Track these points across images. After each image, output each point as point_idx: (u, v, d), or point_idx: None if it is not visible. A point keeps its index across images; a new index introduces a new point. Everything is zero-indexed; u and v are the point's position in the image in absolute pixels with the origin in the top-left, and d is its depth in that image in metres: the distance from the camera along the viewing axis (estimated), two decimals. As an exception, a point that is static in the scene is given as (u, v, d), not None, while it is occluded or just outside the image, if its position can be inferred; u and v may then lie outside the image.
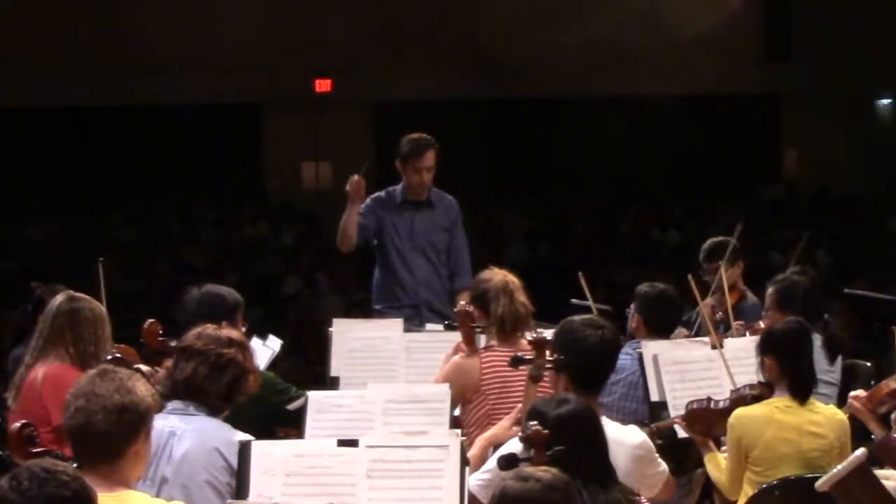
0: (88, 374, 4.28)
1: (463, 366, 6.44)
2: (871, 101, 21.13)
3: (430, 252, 8.70)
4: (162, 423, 4.90)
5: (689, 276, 7.53)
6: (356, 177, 8.66)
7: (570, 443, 4.59)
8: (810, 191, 20.13)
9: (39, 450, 4.33)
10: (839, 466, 4.12)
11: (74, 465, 3.85)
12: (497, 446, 5.40)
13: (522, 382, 5.91)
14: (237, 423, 5.17)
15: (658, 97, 19.47)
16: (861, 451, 4.21)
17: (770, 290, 7.43)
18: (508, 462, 4.46)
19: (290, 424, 6.25)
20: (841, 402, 6.81)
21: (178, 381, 5.10)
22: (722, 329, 7.98)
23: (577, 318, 5.75)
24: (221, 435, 5.03)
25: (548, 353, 5.63)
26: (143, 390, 4.23)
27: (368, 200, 8.77)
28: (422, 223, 8.74)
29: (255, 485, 4.77)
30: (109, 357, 5.80)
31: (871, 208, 19.29)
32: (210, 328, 5.27)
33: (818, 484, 4.14)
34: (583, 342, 5.56)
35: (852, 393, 6.50)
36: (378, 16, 19.67)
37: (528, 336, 5.81)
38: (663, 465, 5.53)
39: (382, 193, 8.84)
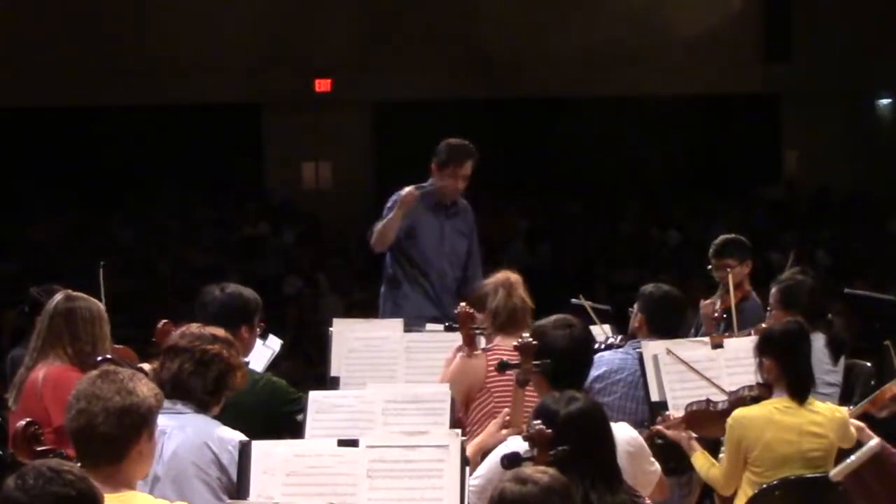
0: (90, 375, 4.28)
1: (468, 366, 6.43)
2: (871, 101, 21.13)
3: (453, 259, 8.66)
4: (152, 423, 4.92)
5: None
6: (413, 189, 8.48)
7: (579, 441, 4.58)
8: (810, 191, 20.13)
9: (43, 448, 4.33)
10: (853, 457, 4.11)
11: (79, 465, 3.85)
12: (486, 453, 5.39)
13: (524, 381, 5.91)
14: (243, 427, 5.17)
15: (658, 97, 19.47)
16: (875, 441, 4.19)
17: (774, 289, 7.42)
18: (511, 461, 4.45)
19: (295, 433, 6.22)
20: (842, 402, 6.80)
21: (165, 380, 5.11)
22: (721, 329, 7.98)
23: (549, 318, 5.75)
24: (209, 430, 5.05)
25: (533, 357, 5.63)
26: (144, 391, 4.22)
27: (390, 205, 8.60)
28: (450, 229, 8.68)
29: (255, 485, 4.77)
30: (99, 358, 5.76)
31: (871, 208, 19.30)
32: (194, 327, 5.29)
33: (832, 473, 4.14)
34: (552, 343, 5.57)
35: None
36: (378, 16, 19.68)
37: (516, 340, 5.80)
38: (656, 465, 5.54)
39: (417, 190, 8.59)
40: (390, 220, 8.53)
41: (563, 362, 5.52)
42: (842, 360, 7.23)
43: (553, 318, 5.76)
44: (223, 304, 6.31)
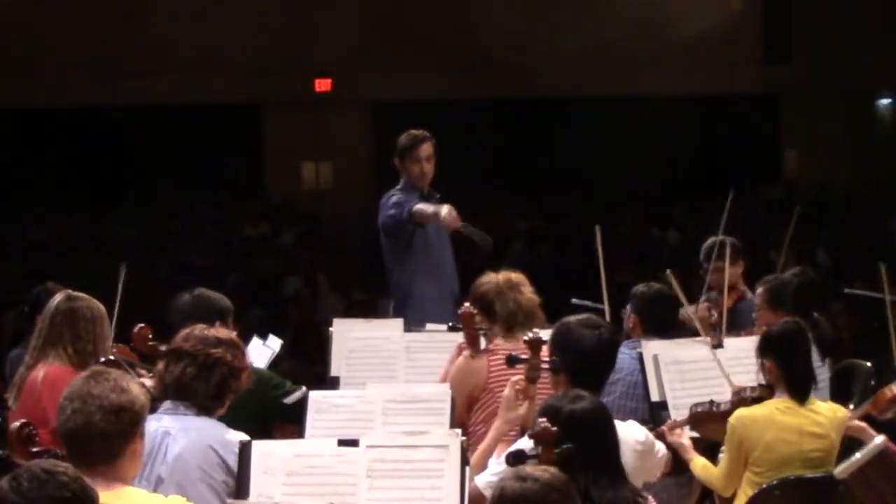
0: (81, 376, 4.29)
1: (470, 367, 6.41)
2: (871, 101, 21.14)
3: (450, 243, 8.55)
4: (156, 425, 4.91)
5: (668, 272, 7.45)
6: (455, 213, 8.28)
7: (582, 439, 4.59)
8: (810, 191, 20.13)
9: (38, 449, 4.32)
10: (858, 454, 4.07)
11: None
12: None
13: (528, 380, 5.91)
14: (234, 421, 5.17)
15: (658, 97, 19.47)
16: (880, 438, 4.16)
17: (760, 289, 7.44)
18: (517, 459, 4.46)
19: (288, 420, 6.24)
20: (833, 401, 6.78)
21: (169, 382, 5.10)
22: (718, 331, 7.97)
23: (573, 318, 5.74)
24: (215, 433, 5.03)
25: (543, 353, 5.63)
26: (136, 390, 4.25)
27: (398, 198, 8.44)
28: None
29: (255, 485, 4.77)
30: (102, 360, 5.77)
31: (871, 208, 19.29)
32: (199, 328, 5.26)
33: (837, 471, 4.11)
34: (581, 342, 5.56)
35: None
36: (378, 16, 19.68)
37: (525, 336, 5.79)
38: (662, 449, 5.58)
39: (400, 194, 8.47)
40: (432, 215, 8.26)
41: (587, 362, 5.52)
42: (827, 361, 7.24)
43: (581, 316, 5.76)
44: (192, 306, 6.35)
